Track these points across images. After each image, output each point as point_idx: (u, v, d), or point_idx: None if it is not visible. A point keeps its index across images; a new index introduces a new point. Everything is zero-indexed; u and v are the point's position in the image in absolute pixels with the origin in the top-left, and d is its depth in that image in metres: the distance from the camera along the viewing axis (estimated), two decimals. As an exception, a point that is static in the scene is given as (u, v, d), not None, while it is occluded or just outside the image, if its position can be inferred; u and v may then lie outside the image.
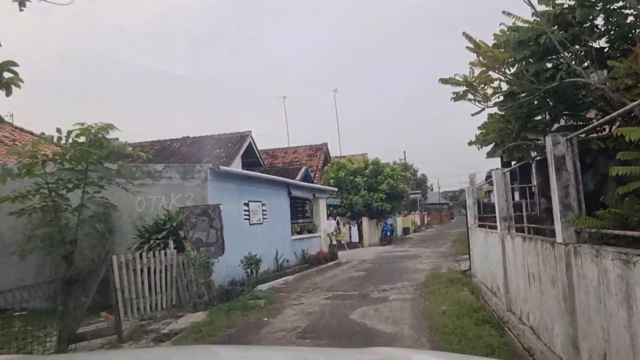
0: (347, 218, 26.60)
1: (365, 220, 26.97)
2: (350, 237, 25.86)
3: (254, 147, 27.93)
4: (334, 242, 20.73)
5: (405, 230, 37.97)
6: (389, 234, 26.73)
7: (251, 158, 28.56)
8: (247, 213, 12.90)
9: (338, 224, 25.15)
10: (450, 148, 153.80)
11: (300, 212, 19.62)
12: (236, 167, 21.03)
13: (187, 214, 10.84)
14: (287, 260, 15.01)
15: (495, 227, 10.13)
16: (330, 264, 17.42)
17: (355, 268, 15.89)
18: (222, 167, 11.24)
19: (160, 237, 10.34)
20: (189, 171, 11.29)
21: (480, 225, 12.39)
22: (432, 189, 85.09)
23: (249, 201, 13.03)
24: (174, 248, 10.21)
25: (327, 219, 25.12)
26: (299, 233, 16.80)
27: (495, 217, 13.08)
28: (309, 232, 17.88)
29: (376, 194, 26.57)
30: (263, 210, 13.82)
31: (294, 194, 16.01)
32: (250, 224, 13.01)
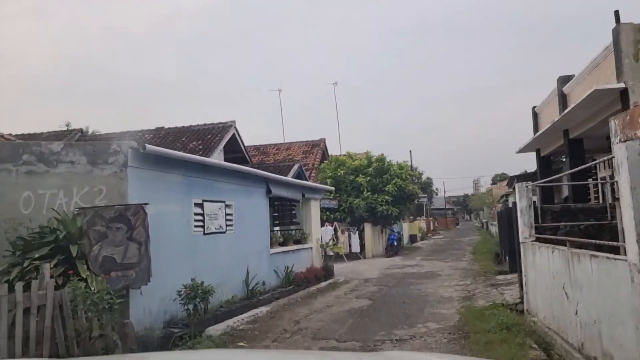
0: (347, 224, 22.60)
1: (367, 227, 22.97)
2: (350, 246, 21.85)
3: (238, 140, 24.11)
4: (330, 253, 16.74)
5: (412, 238, 33.92)
6: (395, 243, 22.68)
7: (236, 153, 24.74)
8: (200, 217, 8.92)
9: (335, 231, 21.15)
10: (451, 153, 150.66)
11: (286, 216, 15.61)
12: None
13: (91, 218, 6.87)
14: (264, 283, 11.02)
15: (576, 246, 6.25)
16: (323, 284, 13.43)
17: (356, 293, 11.89)
18: (150, 147, 7.27)
19: (39, 255, 6.37)
20: (101, 153, 7.32)
21: (537, 239, 8.47)
22: (436, 194, 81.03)
23: (204, 200, 9.06)
24: (61, 274, 6.26)
25: (323, 225, 21.17)
26: (282, 244, 12.82)
27: (562, 227, 9.12)
28: (297, 242, 13.90)
29: (381, 196, 22.58)
30: (227, 214, 9.85)
31: (276, 192, 12.03)
32: (204, 233, 9.03)
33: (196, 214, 8.83)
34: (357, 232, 22.21)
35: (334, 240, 20.88)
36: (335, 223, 21.37)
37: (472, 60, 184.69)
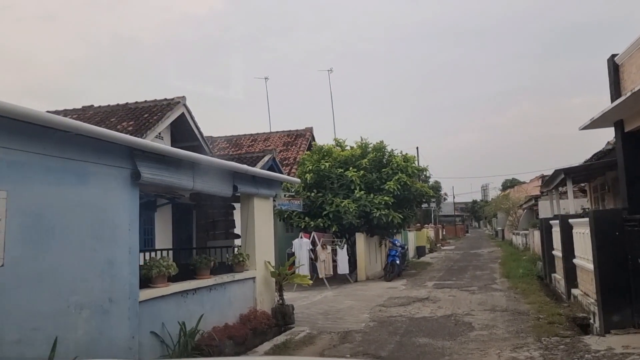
0: (331, 235, 16.63)
1: (360, 239, 16.96)
2: (335, 265, 15.89)
3: (190, 122, 18.35)
4: (311, 283, 10.75)
5: (420, 251, 27.83)
6: (398, 261, 16.60)
7: (189, 141, 18.93)
8: None
9: (314, 244, 15.20)
10: (458, 159, 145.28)
11: (218, 225, 9.74)
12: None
13: None
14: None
15: None
16: (263, 349, 7.44)
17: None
18: None
19: None
20: None
21: None
22: (445, 199, 74.77)
23: None
24: None
25: (299, 236, 15.27)
26: (181, 277, 6.82)
27: None
28: (226, 270, 7.96)
29: (379, 196, 16.60)
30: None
31: (155, 177, 6.06)
32: None
33: None
34: (345, 245, 16.21)
35: (312, 259, 14.97)
36: (313, 234, 15.38)
37: (478, 66, 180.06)
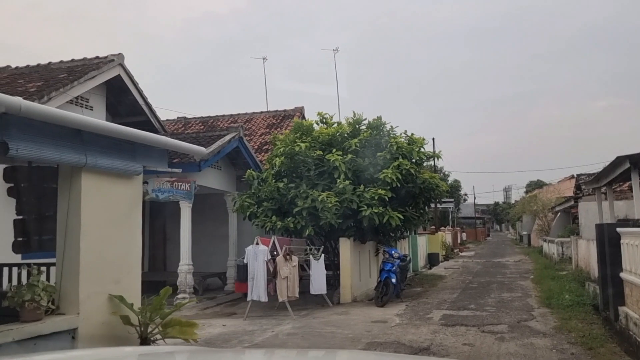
0: (303, 240, 12.28)
1: (346, 246, 12.52)
2: (310, 282, 11.56)
3: (132, 89, 14.42)
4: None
5: (432, 260, 23.18)
6: (394, 279, 12.03)
7: (133, 115, 15.11)
8: None
9: (274, 251, 10.87)
10: (480, 161, 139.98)
11: (45, 224, 5.46)
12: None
13: None
14: None
15: None
16: None
17: None
18: None
19: None
20: None
21: None
22: (465, 200, 69.62)
23: None
24: None
25: (254, 242, 11.02)
26: None
27: None
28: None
29: (371, 189, 12.16)
30: None
31: None
32: None
33: None
34: (322, 255, 11.79)
35: (271, 270, 10.77)
36: (273, 238, 11.02)
37: (498, 67, 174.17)
